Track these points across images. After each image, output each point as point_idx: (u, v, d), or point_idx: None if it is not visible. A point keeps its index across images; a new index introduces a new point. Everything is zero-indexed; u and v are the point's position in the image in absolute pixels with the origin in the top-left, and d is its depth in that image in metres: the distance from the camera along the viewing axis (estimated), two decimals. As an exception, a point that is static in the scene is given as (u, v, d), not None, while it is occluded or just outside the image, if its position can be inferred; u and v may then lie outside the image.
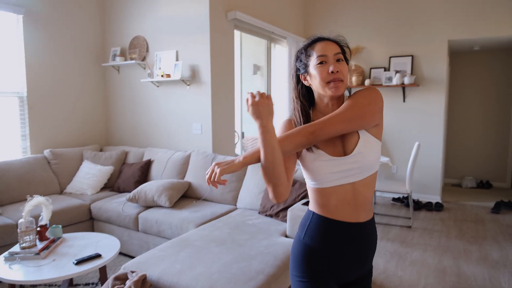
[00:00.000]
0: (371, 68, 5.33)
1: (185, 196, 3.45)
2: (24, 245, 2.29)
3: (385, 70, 5.24)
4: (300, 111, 1.25)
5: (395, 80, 4.99)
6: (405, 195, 5.04)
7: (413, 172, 4.08)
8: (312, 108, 1.28)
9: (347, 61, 1.21)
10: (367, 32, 5.32)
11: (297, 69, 1.25)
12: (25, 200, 3.36)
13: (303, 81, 1.25)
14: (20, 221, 2.31)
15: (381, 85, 5.16)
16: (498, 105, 5.89)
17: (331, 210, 1.18)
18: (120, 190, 3.73)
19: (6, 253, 2.26)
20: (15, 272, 2.10)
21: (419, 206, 4.81)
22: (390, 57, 5.20)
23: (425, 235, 3.84)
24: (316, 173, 1.18)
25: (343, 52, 1.20)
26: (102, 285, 2.35)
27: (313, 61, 1.18)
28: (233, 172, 1.11)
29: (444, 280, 2.85)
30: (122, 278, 1.88)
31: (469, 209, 4.77)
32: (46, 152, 3.82)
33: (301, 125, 1.23)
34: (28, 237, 2.32)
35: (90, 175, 3.76)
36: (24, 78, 3.77)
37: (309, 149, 1.20)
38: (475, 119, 6.07)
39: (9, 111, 3.72)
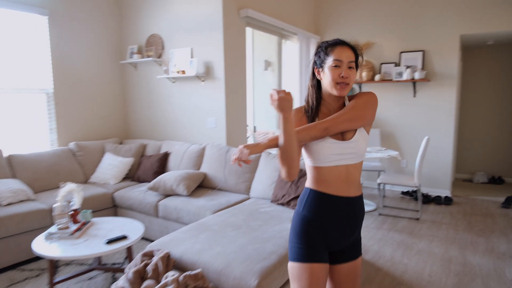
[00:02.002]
0: (381, 64, 5.43)
1: (201, 186, 3.65)
2: (60, 226, 2.52)
3: (395, 65, 5.33)
4: (315, 99, 1.45)
5: (406, 75, 5.08)
6: (414, 189, 5.14)
7: (422, 166, 4.19)
8: (320, 103, 1.47)
9: (357, 67, 1.41)
10: (378, 28, 5.41)
11: (315, 62, 1.44)
12: (54, 188, 3.64)
13: (316, 74, 1.43)
14: (55, 205, 2.55)
15: (391, 80, 5.26)
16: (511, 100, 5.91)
17: (327, 186, 1.39)
18: (140, 180, 3.95)
19: (45, 233, 2.50)
20: (55, 249, 2.33)
21: (428, 199, 4.91)
22: (401, 52, 5.28)
23: (433, 227, 3.95)
24: (319, 153, 1.38)
25: (356, 59, 1.40)
26: (129, 263, 2.56)
27: (329, 62, 1.37)
28: (258, 153, 1.33)
29: (449, 269, 2.98)
30: (149, 255, 2.08)
31: (479, 203, 4.84)
32: (72, 145, 4.07)
33: (313, 111, 1.44)
34: (63, 219, 2.55)
35: (112, 166, 3.99)
36: (51, 76, 4.02)
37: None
38: (487, 114, 6.10)
39: (38, 106, 3.97)
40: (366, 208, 4.50)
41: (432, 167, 5.21)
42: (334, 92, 1.38)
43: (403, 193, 5.23)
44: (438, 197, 4.90)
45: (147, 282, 1.88)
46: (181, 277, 1.87)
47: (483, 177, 5.99)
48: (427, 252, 3.30)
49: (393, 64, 5.35)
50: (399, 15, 5.24)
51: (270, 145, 1.36)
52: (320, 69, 1.41)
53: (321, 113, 1.45)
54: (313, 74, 1.45)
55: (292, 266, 1.41)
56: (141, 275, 1.96)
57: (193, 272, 1.91)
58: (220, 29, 3.85)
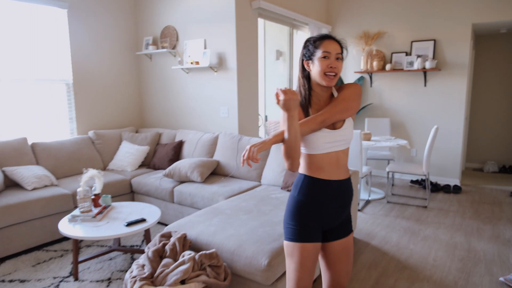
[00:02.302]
0: (392, 53, 5.44)
1: (214, 173, 3.80)
2: (82, 209, 2.70)
3: (406, 55, 5.34)
4: (306, 88, 1.56)
5: (416, 65, 5.09)
6: (423, 178, 5.19)
7: (430, 155, 4.25)
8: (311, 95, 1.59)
9: (342, 59, 1.53)
10: (389, 17, 5.41)
11: (304, 55, 1.55)
12: (75, 174, 3.83)
13: (305, 66, 1.54)
14: (78, 189, 2.72)
15: (402, 69, 5.28)
16: (523, 89, 5.87)
17: (320, 171, 1.51)
18: (156, 168, 4.12)
19: (69, 216, 2.68)
20: (78, 230, 2.51)
21: (437, 188, 4.97)
22: (412, 42, 5.29)
23: (440, 214, 4.03)
24: (314, 143, 1.50)
25: (342, 53, 1.52)
26: (146, 245, 2.73)
27: (318, 54, 1.48)
28: (265, 150, 1.46)
29: (453, 254, 3.08)
30: (167, 236, 2.24)
31: (488, 192, 4.89)
32: (91, 133, 4.26)
33: (306, 100, 1.56)
34: (85, 203, 2.72)
35: (129, 154, 4.17)
36: (70, 67, 4.18)
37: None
38: (499, 103, 6.08)
39: (58, 96, 4.14)
40: (375, 196, 4.60)
41: (442, 156, 5.25)
42: (323, 83, 1.48)
43: (412, 182, 5.30)
44: (447, 185, 4.96)
45: (166, 260, 2.04)
46: (197, 256, 2.02)
47: (494, 166, 6.00)
48: (433, 238, 3.39)
49: (404, 54, 5.36)
50: (410, 4, 5.23)
51: (276, 141, 1.46)
52: (310, 61, 1.52)
53: (312, 103, 1.56)
54: (303, 66, 1.55)
55: (287, 245, 1.56)
56: (160, 254, 2.12)
57: (208, 251, 2.05)
58: (233, 20, 3.94)
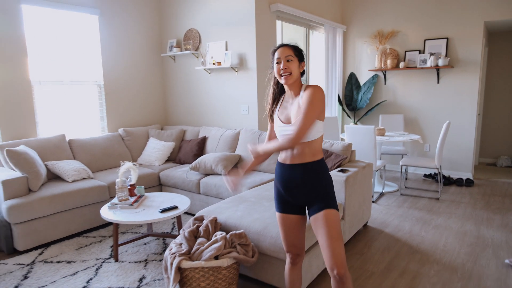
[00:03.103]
0: (406, 51, 5.61)
1: (237, 166, 4.06)
2: (120, 198, 3.00)
3: (419, 53, 5.50)
4: (272, 95, 1.92)
5: (429, 62, 5.25)
6: (436, 171, 5.35)
7: (442, 148, 4.42)
8: (283, 95, 1.92)
9: (301, 59, 1.81)
10: (403, 16, 5.58)
11: (271, 68, 1.87)
12: (108, 168, 4.16)
13: (274, 75, 1.86)
14: (117, 180, 3.02)
15: (415, 67, 5.44)
16: (536, 84, 5.94)
17: (280, 156, 1.89)
18: (181, 162, 4.41)
19: (109, 204, 2.99)
20: (118, 216, 2.81)
21: (449, 182, 5.13)
22: (425, 40, 5.44)
23: (451, 205, 4.21)
24: (276, 133, 1.87)
25: (297, 53, 1.80)
26: (178, 231, 3.02)
27: (274, 61, 1.82)
28: (257, 165, 2.00)
29: (463, 240, 3.26)
30: (200, 219, 2.51)
31: (500, 185, 5.02)
32: (120, 131, 4.58)
33: (270, 104, 1.93)
34: (123, 193, 3.02)
35: (156, 149, 4.47)
36: (101, 69, 4.51)
37: (272, 119, 1.93)
38: (512, 99, 6.16)
39: (91, 97, 4.48)
40: (389, 189, 4.79)
41: (455, 151, 5.40)
42: (282, 82, 1.80)
43: (425, 175, 5.46)
44: (460, 179, 5.11)
45: (200, 240, 2.31)
46: (228, 236, 2.29)
47: (507, 161, 6.10)
48: (444, 226, 3.58)
49: (417, 52, 5.52)
50: (423, 3, 5.39)
51: (252, 166, 1.97)
52: (272, 69, 1.85)
53: (284, 101, 1.89)
54: (275, 78, 1.88)
55: (276, 215, 1.98)
56: (194, 235, 2.39)
57: (237, 231, 2.32)
58: (253, 23, 4.20)
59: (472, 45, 5.10)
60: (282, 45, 1.83)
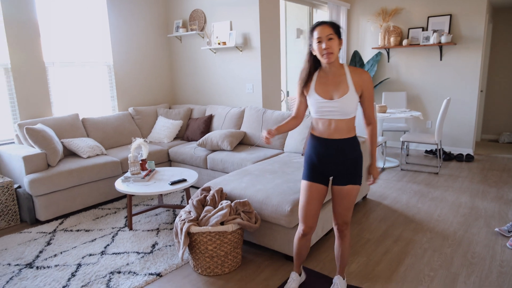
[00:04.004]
0: (409, 29, 5.64)
1: (242, 143, 4.24)
2: (133, 172, 3.21)
3: (423, 30, 5.53)
4: (307, 71, 1.95)
5: (432, 39, 5.29)
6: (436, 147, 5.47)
7: (442, 124, 4.54)
8: (319, 68, 1.97)
9: (340, 35, 1.87)
10: (407, -6, 5.58)
11: (310, 45, 1.92)
12: (120, 146, 4.37)
13: (312, 51, 1.93)
14: (129, 155, 3.23)
15: (418, 44, 5.48)
16: (541, 61, 5.94)
17: (316, 130, 1.98)
18: (189, 139, 4.61)
19: (122, 177, 3.20)
20: (131, 188, 3.03)
21: (450, 157, 5.25)
22: (429, 17, 5.46)
23: (449, 180, 4.36)
24: (312, 108, 1.95)
25: (336, 31, 1.84)
26: (187, 201, 3.23)
27: (314, 41, 1.85)
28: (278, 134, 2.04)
29: (457, 211, 3.43)
30: (207, 190, 2.71)
31: (499, 161, 5.14)
32: (130, 110, 4.77)
33: (304, 80, 1.96)
34: (135, 167, 3.23)
35: (164, 127, 4.66)
36: (110, 51, 4.66)
37: (307, 92, 1.96)
38: (516, 75, 6.18)
39: (101, 77, 4.65)
40: (389, 165, 4.95)
41: (456, 127, 5.50)
42: (324, 61, 1.85)
43: (426, 151, 5.59)
44: (460, 155, 5.24)
45: (207, 207, 2.52)
46: (232, 204, 2.49)
47: (509, 137, 6.18)
48: (440, 199, 3.75)
49: (420, 29, 5.54)
50: (428, -21, 5.37)
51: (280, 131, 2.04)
52: (312, 47, 1.90)
53: (319, 77, 1.95)
54: (310, 53, 1.93)
55: (302, 182, 2.07)
56: (202, 203, 2.60)
57: (241, 200, 2.51)
58: (256, 2, 4.28)
59: (476, 22, 5.12)
60: (322, 23, 1.83)
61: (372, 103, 1.96)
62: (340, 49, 1.88)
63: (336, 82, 1.88)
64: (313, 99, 1.92)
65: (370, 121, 2.02)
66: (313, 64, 1.94)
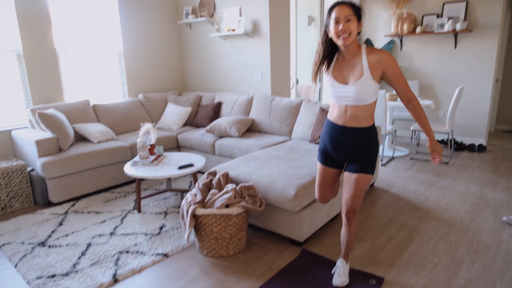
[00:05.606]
0: (423, 15, 5.51)
1: (249, 129, 4.26)
2: (141, 156, 3.27)
3: (437, 17, 5.40)
4: (321, 54, 1.90)
5: (447, 27, 5.17)
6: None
7: (454, 113, 4.46)
8: (338, 51, 1.91)
9: (360, 16, 1.79)
10: (421, -21, 5.44)
11: (326, 26, 1.86)
12: (130, 131, 4.43)
13: (328, 33, 1.85)
14: (138, 140, 3.28)
15: (432, 32, 5.36)
16: (560, 49, 5.76)
17: (331, 115, 1.97)
18: (198, 126, 4.65)
19: (131, 161, 3.26)
20: (140, 172, 3.09)
21: (461, 147, 5.17)
22: (444, 4, 5.32)
23: (459, 169, 4.30)
24: (329, 92, 1.93)
25: (356, 12, 1.77)
26: (195, 185, 3.28)
27: (331, 21, 1.78)
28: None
29: (465, 200, 3.40)
30: (213, 174, 2.75)
31: (512, 151, 5.04)
32: (140, 96, 4.82)
33: (318, 64, 1.91)
34: (143, 152, 3.28)
35: (174, 114, 4.71)
36: (121, 38, 4.70)
37: (327, 74, 1.92)
38: (534, 64, 6.00)
39: (112, 64, 4.70)
40: (399, 154, 4.90)
41: (469, 117, 5.40)
42: (339, 43, 1.79)
43: (437, 141, 5.50)
44: (472, 145, 5.15)
45: (213, 191, 2.55)
46: (237, 187, 2.52)
47: (524, 128, 6.04)
48: (449, 188, 3.72)
49: (435, 16, 5.42)
50: (443, -36, 5.23)
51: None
52: (328, 29, 1.83)
53: (337, 60, 1.90)
54: (326, 34, 1.85)
55: (317, 162, 2.14)
56: (208, 187, 2.64)
57: (247, 184, 2.54)
58: (265, -12, 4.24)
59: (493, 8, 4.97)
60: (341, 3, 1.75)
61: (401, 80, 1.83)
62: (359, 32, 1.80)
63: (352, 66, 1.83)
64: (330, 83, 1.91)
65: (407, 98, 1.88)
66: (328, 47, 1.87)
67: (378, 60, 1.79)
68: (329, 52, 1.89)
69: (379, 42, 6.03)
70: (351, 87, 1.82)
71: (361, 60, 1.81)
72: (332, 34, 1.80)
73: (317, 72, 1.92)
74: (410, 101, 1.89)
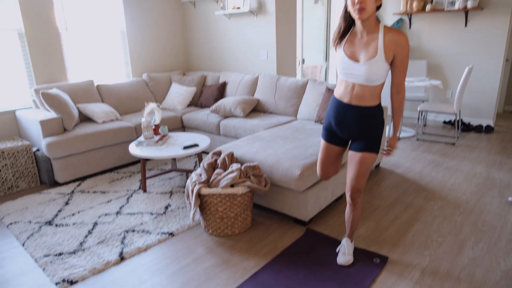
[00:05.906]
0: (433, -7, 5.35)
1: (255, 110, 4.22)
2: (146, 136, 3.26)
3: (448, -6, 5.24)
4: (341, 28, 1.86)
5: (458, 4, 5.02)
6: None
7: (462, 94, 4.38)
8: (353, 26, 1.87)
9: None
10: (432, -46, 5.25)
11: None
12: (134, 112, 4.41)
13: (347, 7, 1.80)
14: (142, 120, 3.26)
15: (442, 10, 5.22)
16: None
17: (337, 92, 1.94)
18: (202, 106, 4.61)
19: (136, 141, 3.26)
20: (145, 152, 3.08)
21: (469, 128, 5.11)
22: (455, -20, 5.15)
23: (466, 150, 4.26)
24: (338, 67, 1.88)
25: None
26: (199, 164, 3.28)
27: None
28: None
29: (471, 181, 3.37)
30: (218, 153, 2.74)
31: (521, 132, 4.97)
32: (144, 76, 4.78)
33: (337, 37, 1.87)
34: (148, 132, 3.27)
35: (178, 94, 4.67)
36: (123, 16, 4.61)
37: (338, 49, 1.88)
38: (546, 43, 5.84)
39: (115, 43, 4.64)
40: (405, 135, 4.86)
41: (477, 98, 5.31)
42: (355, 16, 1.74)
43: (444, 122, 5.45)
44: (479, 126, 5.08)
45: (218, 170, 2.55)
46: (242, 167, 2.51)
47: (534, 109, 5.94)
48: (455, 168, 3.69)
49: (445, -7, 5.25)
50: None
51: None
52: (347, 2, 1.77)
53: (350, 35, 1.85)
54: (345, 9, 1.80)
55: (321, 139, 2.15)
56: (212, 166, 2.63)
57: (251, 164, 2.53)
58: (271, -36, 4.12)
59: (506, -16, 4.81)
60: None
61: (404, 71, 1.82)
62: (378, 6, 1.74)
63: (366, 43, 1.78)
64: (340, 57, 1.86)
65: (398, 89, 1.89)
66: (349, 21, 1.83)
67: (394, 42, 1.76)
68: (349, 26, 1.85)
69: (388, 20, 5.89)
70: (361, 66, 1.78)
71: (377, 38, 1.76)
72: (348, 6, 1.76)
73: (336, 43, 1.89)
74: (398, 93, 1.91)
